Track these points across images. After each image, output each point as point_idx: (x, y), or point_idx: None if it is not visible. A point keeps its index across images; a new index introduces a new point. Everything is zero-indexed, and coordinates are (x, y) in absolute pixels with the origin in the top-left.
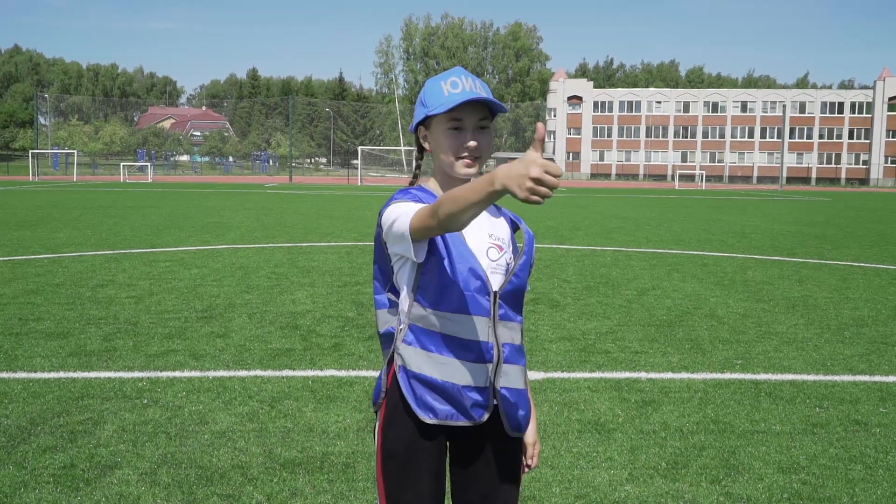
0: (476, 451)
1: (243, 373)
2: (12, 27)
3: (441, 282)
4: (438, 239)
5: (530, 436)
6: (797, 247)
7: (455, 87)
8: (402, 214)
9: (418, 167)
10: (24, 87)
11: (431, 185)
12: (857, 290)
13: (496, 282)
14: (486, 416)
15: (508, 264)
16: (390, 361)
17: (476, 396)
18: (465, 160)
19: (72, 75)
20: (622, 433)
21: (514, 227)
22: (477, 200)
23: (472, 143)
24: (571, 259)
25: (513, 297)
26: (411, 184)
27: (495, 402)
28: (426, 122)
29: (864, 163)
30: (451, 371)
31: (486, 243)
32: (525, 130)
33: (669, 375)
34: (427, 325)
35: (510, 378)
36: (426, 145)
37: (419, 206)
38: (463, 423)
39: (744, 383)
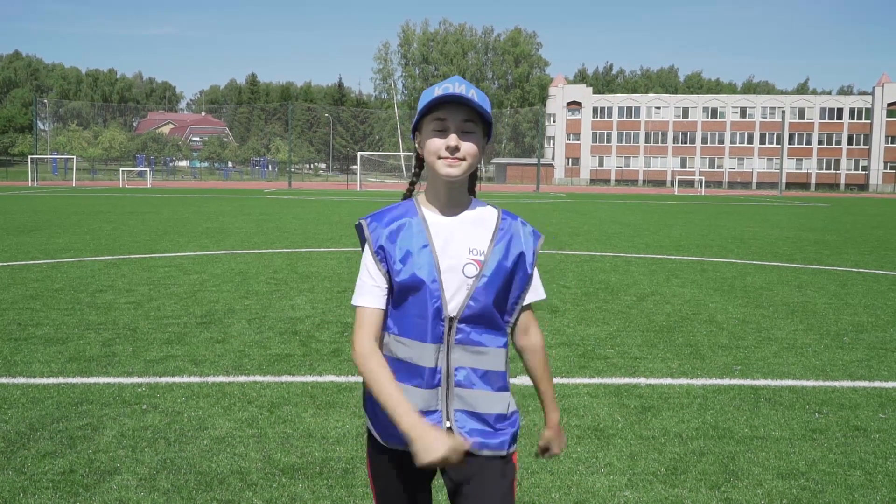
0: (456, 475)
1: (242, 378)
2: (12, 33)
3: (400, 308)
4: (403, 265)
5: (548, 432)
6: (796, 252)
7: (446, 91)
8: (356, 323)
9: (416, 174)
10: (23, 92)
11: (421, 197)
12: (856, 296)
13: (458, 306)
14: None
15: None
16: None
17: (429, 420)
18: (446, 160)
19: (71, 81)
20: (621, 439)
21: (507, 235)
22: (384, 407)
23: (452, 141)
24: (571, 265)
25: (477, 321)
26: (408, 192)
27: (448, 424)
28: (419, 126)
29: (864, 168)
30: (406, 396)
31: (464, 259)
32: (524, 136)
33: (669, 381)
34: (389, 352)
35: (466, 402)
36: (420, 150)
37: (368, 312)
38: None
39: (743, 389)
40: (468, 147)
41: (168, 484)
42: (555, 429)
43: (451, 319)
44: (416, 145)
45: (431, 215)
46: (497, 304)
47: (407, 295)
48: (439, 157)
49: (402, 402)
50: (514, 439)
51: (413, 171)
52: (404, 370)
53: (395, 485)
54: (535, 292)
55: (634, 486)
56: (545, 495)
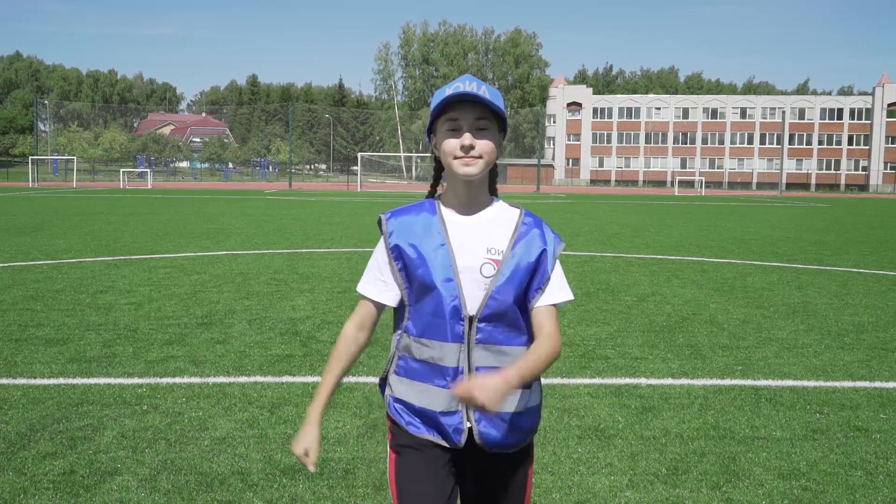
0: (477, 471)
1: (243, 379)
2: (13, 34)
3: (419, 308)
4: (420, 265)
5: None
6: (797, 253)
7: (456, 90)
8: (355, 310)
9: (436, 177)
10: (23, 93)
11: (443, 197)
12: (856, 296)
13: (477, 305)
14: (463, 440)
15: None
16: (385, 379)
17: (450, 421)
18: (462, 159)
19: (71, 82)
20: (622, 439)
21: (529, 232)
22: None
23: (466, 140)
24: (571, 265)
25: (497, 319)
26: (430, 193)
27: (469, 425)
28: (433, 129)
29: (864, 169)
30: (428, 397)
31: (482, 259)
32: (524, 137)
33: (669, 381)
34: (409, 353)
35: None
36: (436, 152)
37: (367, 305)
38: (446, 444)
39: (744, 389)
40: (483, 144)
41: (169, 485)
42: (498, 376)
43: (472, 319)
44: (433, 148)
45: (450, 214)
46: (518, 303)
47: (424, 294)
48: (455, 158)
49: (321, 393)
50: (530, 432)
51: (433, 174)
52: (427, 371)
53: (421, 481)
54: (560, 293)
55: (635, 487)
56: (546, 496)
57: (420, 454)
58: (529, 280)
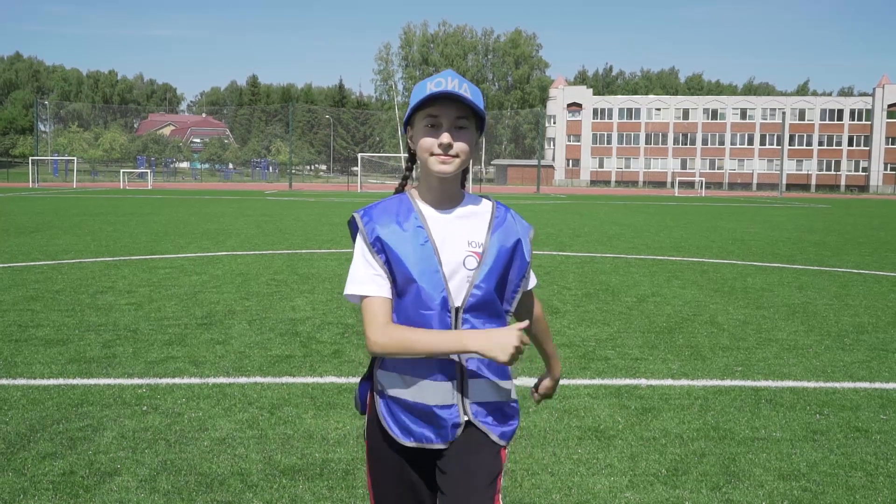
0: (451, 463)
1: (243, 379)
2: (13, 34)
3: (407, 301)
4: (405, 258)
5: (549, 381)
6: (797, 253)
7: (438, 86)
8: (365, 316)
9: (409, 169)
10: (24, 93)
11: (414, 192)
12: (857, 297)
13: (462, 295)
14: (458, 434)
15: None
16: (370, 376)
17: (446, 415)
18: (439, 157)
19: (72, 82)
20: (622, 440)
21: (501, 225)
22: (437, 353)
23: (445, 139)
24: (571, 266)
25: (480, 309)
26: (399, 188)
27: (466, 418)
28: (411, 121)
29: (864, 170)
30: (422, 392)
31: (464, 252)
32: (524, 137)
33: (669, 382)
34: None
35: (479, 393)
36: (412, 144)
37: (378, 301)
38: (438, 445)
39: (744, 390)
40: (461, 144)
41: (168, 485)
42: (556, 380)
43: (457, 310)
44: (409, 140)
45: (427, 210)
46: (498, 292)
47: (410, 290)
48: (432, 154)
49: (446, 335)
50: (510, 431)
51: (405, 165)
52: (416, 365)
53: (399, 487)
54: (533, 279)
55: (635, 488)
56: (546, 496)
57: (405, 465)
58: (508, 269)
